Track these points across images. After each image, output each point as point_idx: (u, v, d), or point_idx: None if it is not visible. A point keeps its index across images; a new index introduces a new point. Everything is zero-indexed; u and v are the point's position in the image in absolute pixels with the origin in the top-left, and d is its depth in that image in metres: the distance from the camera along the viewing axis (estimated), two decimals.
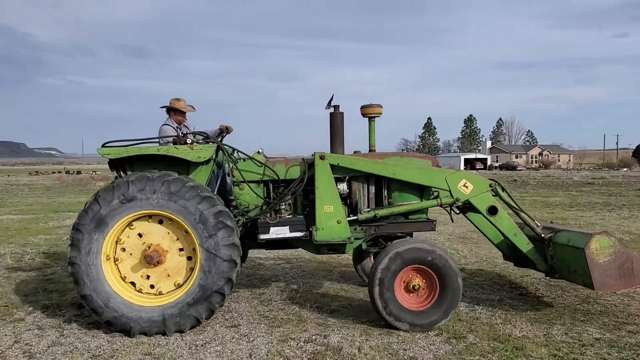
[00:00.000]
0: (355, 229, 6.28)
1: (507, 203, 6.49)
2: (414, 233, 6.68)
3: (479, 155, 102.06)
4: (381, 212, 6.26)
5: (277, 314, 6.26)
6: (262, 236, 6.05)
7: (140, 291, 5.67)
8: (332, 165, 6.13)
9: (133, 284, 5.69)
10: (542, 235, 6.34)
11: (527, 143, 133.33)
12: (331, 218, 6.05)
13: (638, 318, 5.96)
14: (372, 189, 6.44)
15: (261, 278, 8.13)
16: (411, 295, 5.73)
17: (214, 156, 6.11)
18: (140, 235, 5.69)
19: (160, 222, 5.69)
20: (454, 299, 5.59)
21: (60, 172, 62.82)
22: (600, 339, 5.31)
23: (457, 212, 6.62)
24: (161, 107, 7.32)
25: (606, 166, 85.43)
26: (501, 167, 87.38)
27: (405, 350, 5.07)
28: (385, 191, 6.44)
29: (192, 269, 5.64)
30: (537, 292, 7.12)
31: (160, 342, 5.36)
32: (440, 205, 6.35)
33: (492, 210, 6.30)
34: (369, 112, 6.67)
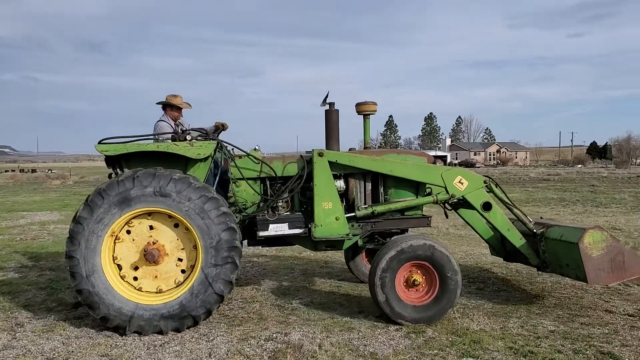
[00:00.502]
0: (352, 226, 6.29)
1: (500, 199, 6.61)
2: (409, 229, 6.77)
3: (439, 153, 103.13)
4: (379, 208, 6.30)
5: (237, 312, 6.22)
6: (262, 233, 6.02)
7: (122, 277, 5.57)
8: (330, 162, 6.14)
9: (119, 267, 5.58)
10: (534, 230, 6.47)
11: (486, 141, 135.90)
12: (330, 215, 6.08)
13: (591, 310, 6.13)
14: (369, 185, 6.47)
15: None
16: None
17: (212, 153, 6.05)
18: (151, 227, 5.62)
19: (177, 225, 5.63)
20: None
21: (14, 171, 61.05)
22: (555, 331, 5.44)
23: (449, 208, 6.71)
24: (157, 103, 7.21)
25: (561, 163, 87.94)
26: (460, 164, 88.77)
27: (365, 345, 5.10)
28: (382, 188, 6.48)
29: (178, 285, 5.60)
30: (494, 287, 7.26)
31: (118, 343, 5.26)
32: (436, 202, 6.41)
33: (487, 206, 6.41)
34: (363, 110, 6.73)
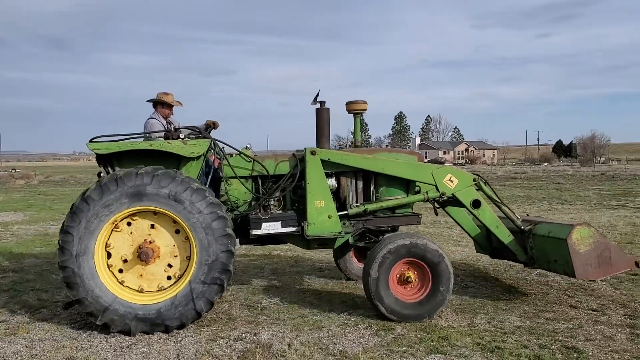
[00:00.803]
0: (344, 224, 6.29)
1: (489, 197, 6.70)
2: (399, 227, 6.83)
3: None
4: (371, 206, 6.33)
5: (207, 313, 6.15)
6: (255, 232, 5.98)
7: (109, 266, 5.49)
8: (322, 161, 6.14)
9: (109, 255, 5.50)
10: (522, 227, 6.57)
11: (454, 139, 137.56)
12: (322, 213, 6.08)
13: (556, 306, 6.25)
14: (360, 184, 6.49)
15: None
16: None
17: (206, 152, 5.99)
18: (152, 226, 5.56)
19: (177, 231, 5.58)
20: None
21: None
22: (521, 327, 5.53)
23: (437, 206, 6.77)
24: (148, 101, 7.11)
25: (528, 161, 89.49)
26: (429, 163, 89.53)
27: (335, 344, 5.10)
28: (373, 186, 6.50)
29: (160, 290, 5.54)
30: (462, 283, 7.35)
31: (84, 345, 5.16)
32: (427, 200, 6.46)
33: (476, 204, 6.50)
34: (354, 109, 6.76)
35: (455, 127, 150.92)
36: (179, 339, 5.29)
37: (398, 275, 5.80)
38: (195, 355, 4.90)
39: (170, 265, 5.60)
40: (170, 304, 5.40)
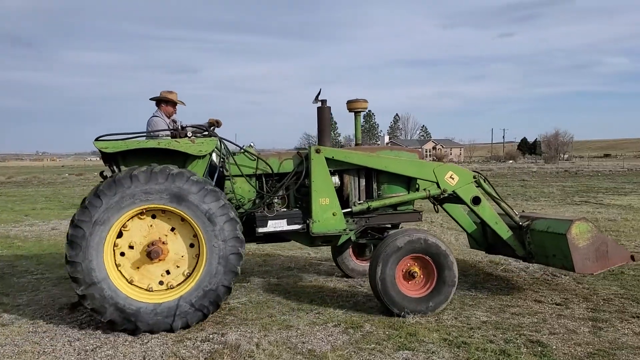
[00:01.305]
0: (347, 221, 6.30)
1: (488, 193, 6.78)
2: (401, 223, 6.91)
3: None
4: (374, 203, 6.38)
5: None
6: (261, 229, 6.00)
7: (114, 245, 5.42)
8: (326, 159, 6.16)
9: (120, 234, 5.44)
10: (520, 223, 6.68)
11: (422, 138, 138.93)
12: (327, 210, 6.11)
13: (521, 300, 6.36)
14: (363, 181, 6.53)
15: None
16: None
17: (213, 150, 5.96)
18: (173, 229, 5.54)
19: (192, 245, 5.57)
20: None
21: None
22: (487, 322, 5.61)
23: (435, 202, 6.84)
24: (151, 99, 7.04)
25: (494, 159, 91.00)
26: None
27: (304, 343, 5.09)
28: (375, 184, 6.55)
29: (149, 290, 5.48)
30: None
31: (46, 350, 5.03)
32: (428, 197, 6.55)
33: (476, 200, 6.59)
34: (355, 107, 6.80)
35: (423, 125, 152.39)
36: (145, 341, 5.21)
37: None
38: (162, 357, 4.83)
39: (168, 272, 5.55)
40: (152, 309, 5.33)
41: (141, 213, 5.44)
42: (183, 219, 5.46)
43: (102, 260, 5.27)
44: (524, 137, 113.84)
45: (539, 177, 33.88)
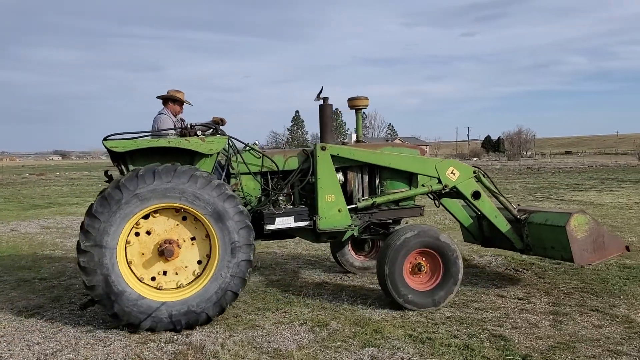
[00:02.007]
0: (351, 217, 6.35)
1: (488, 188, 6.88)
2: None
3: None
4: (378, 199, 6.47)
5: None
6: (269, 227, 6.03)
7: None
8: (331, 156, 6.22)
9: (137, 224, 5.41)
10: (518, 216, 6.80)
11: (389, 136, 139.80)
12: (333, 207, 6.20)
13: (484, 295, 6.46)
14: (366, 178, 6.61)
15: None
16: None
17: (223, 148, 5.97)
18: (193, 238, 5.54)
19: (200, 262, 5.59)
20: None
21: None
22: (451, 317, 5.67)
23: (435, 197, 6.91)
24: (158, 97, 6.97)
25: (458, 156, 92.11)
26: None
27: (269, 342, 5.06)
28: (378, 180, 6.63)
29: (141, 281, 5.45)
30: None
31: (3, 355, 4.88)
32: (431, 192, 6.64)
33: (476, 195, 6.70)
34: (356, 104, 6.88)
35: (390, 123, 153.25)
36: (108, 343, 5.11)
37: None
38: (125, 359, 4.74)
39: (164, 274, 5.51)
40: (135, 297, 5.26)
41: (176, 210, 5.47)
42: (207, 235, 5.50)
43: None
44: (488, 135, 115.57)
45: (502, 174, 34.49)
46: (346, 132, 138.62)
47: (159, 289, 5.45)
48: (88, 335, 5.32)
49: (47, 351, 4.95)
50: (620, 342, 4.91)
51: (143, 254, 5.46)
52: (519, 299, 6.28)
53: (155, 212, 5.45)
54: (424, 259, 6.01)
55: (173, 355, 4.77)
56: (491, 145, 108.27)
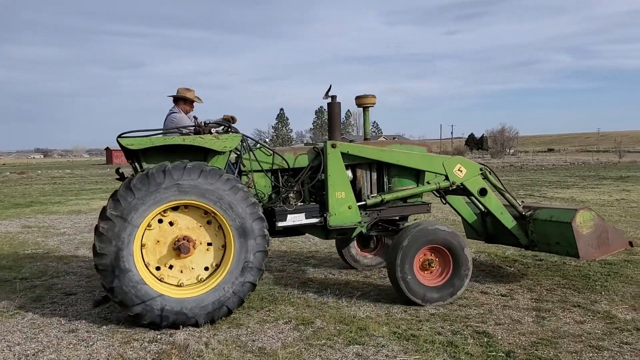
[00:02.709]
0: (360, 214, 6.41)
1: (494, 185, 6.96)
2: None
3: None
4: (387, 196, 6.57)
5: (120, 314, 5.90)
6: (280, 223, 6.07)
7: (149, 226, 5.40)
8: (341, 153, 6.28)
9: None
10: (523, 213, 6.89)
11: (374, 134, 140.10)
12: (343, 204, 6.26)
13: (468, 292, 6.48)
14: (375, 175, 6.69)
15: None
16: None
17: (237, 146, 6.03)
18: (210, 244, 5.58)
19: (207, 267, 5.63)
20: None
21: None
22: (435, 314, 5.70)
23: (442, 194, 7.02)
24: (169, 96, 6.99)
25: (443, 154, 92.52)
26: None
27: (254, 341, 5.04)
28: (386, 177, 6.71)
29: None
30: (380, 274, 7.49)
31: None
32: (439, 189, 6.75)
33: (483, 192, 6.80)
34: (363, 102, 6.93)
35: (374, 121, 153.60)
36: (90, 343, 5.05)
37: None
38: (108, 359, 4.70)
39: (171, 267, 5.53)
40: (137, 279, 5.25)
41: (205, 212, 5.52)
42: (224, 245, 5.56)
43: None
44: (472, 133, 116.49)
45: None
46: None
47: (160, 280, 5.45)
48: (70, 336, 5.27)
49: (29, 352, 4.89)
50: (602, 337, 4.97)
51: (158, 241, 5.47)
52: (502, 296, 6.33)
53: (186, 207, 5.49)
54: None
55: (157, 355, 4.74)
56: (475, 143, 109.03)
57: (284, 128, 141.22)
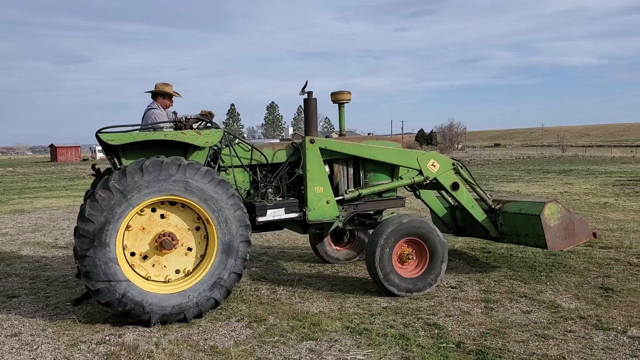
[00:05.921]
0: (338, 208, 6.45)
1: (465, 179, 7.06)
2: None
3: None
4: (364, 191, 6.65)
5: (66, 316, 5.72)
6: (260, 218, 6.07)
7: (141, 212, 5.37)
8: (319, 149, 6.31)
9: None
10: (493, 206, 7.02)
11: (325, 129, 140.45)
12: (321, 198, 6.31)
13: None
14: (351, 170, 6.76)
15: (47, 280, 7.37)
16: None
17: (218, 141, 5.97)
18: (189, 249, 5.55)
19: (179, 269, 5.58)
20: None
21: None
22: (387, 308, 5.76)
23: (411, 189, 7.07)
24: (146, 92, 6.78)
25: None
26: None
27: (205, 340, 4.97)
28: (362, 172, 6.79)
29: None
30: (333, 269, 7.51)
31: None
32: (413, 183, 6.81)
33: (455, 186, 6.88)
34: (339, 99, 6.92)
35: (326, 117, 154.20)
36: (35, 347, 4.87)
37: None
38: None
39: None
40: (112, 257, 5.15)
41: (198, 218, 5.52)
42: (203, 256, 5.56)
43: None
44: (421, 129, 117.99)
45: None
46: (283, 126, 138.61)
47: (130, 266, 5.37)
48: (13, 340, 5.07)
49: None
50: (547, 326, 5.12)
51: (144, 229, 5.41)
52: (452, 288, 6.45)
53: (183, 206, 5.47)
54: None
55: (105, 357, 4.61)
56: (424, 139, 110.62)
57: (235, 124, 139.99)
